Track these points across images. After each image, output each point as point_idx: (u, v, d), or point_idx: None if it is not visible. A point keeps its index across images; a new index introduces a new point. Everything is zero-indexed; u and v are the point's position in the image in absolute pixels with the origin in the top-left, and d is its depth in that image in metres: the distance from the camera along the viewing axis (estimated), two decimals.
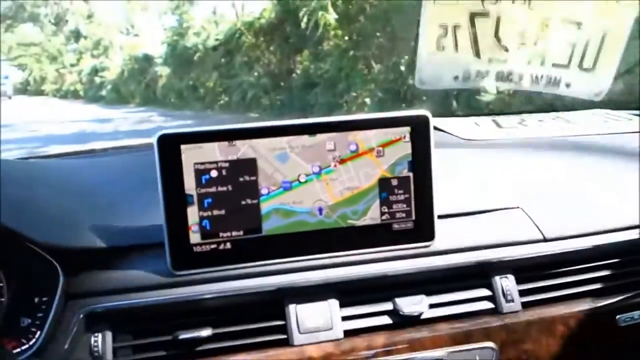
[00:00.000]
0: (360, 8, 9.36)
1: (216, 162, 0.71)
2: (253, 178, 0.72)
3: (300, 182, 0.75)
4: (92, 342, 0.69)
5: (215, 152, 0.71)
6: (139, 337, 0.72)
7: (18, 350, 0.67)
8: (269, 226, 0.74)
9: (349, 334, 0.75)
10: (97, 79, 23.53)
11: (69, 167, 0.97)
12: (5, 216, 0.67)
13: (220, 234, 0.73)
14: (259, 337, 0.73)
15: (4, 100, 25.22)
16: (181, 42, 15.72)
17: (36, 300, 0.69)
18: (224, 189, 0.72)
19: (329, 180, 0.75)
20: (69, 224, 0.74)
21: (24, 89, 29.08)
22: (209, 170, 0.71)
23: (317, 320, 0.74)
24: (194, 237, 0.72)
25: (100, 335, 0.70)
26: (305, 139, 0.74)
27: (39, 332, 0.68)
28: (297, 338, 0.73)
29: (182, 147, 0.70)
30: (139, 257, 0.74)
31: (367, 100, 8.97)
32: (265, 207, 0.74)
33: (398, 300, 0.77)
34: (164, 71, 17.45)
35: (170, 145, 0.70)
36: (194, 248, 0.72)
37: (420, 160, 0.76)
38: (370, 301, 0.78)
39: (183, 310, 0.73)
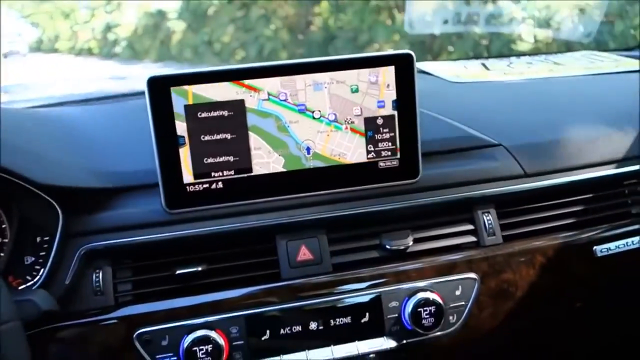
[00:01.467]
0: None
1: (205, 104, 0.77)
2: (242, 119, 0.79)
3: (313, 116, 0.82)
4: (94, 278, 0.78)
5: (204, 93, 0.77)
6: (138, 274, 0.80)
7: (23, 287, 0.77)
8: (253, 122, 0.78)
9: (337, 267, 0.84)
10: (111, 36, 23.58)
11: (66, 114, 1.05)
12: (6, 161, 0.74)
13: (212, 174, 0.80)
14: (251, 272, 0.82)
15: (19, 58, 25.54)
16: None
17: (38, 239, 0.78)
18: (214, 129, 0.78)
19: (330, 133, 0.82)
20: (67, 167, 0.81)
21: (37, 47, 29.38)
22: (199, 111, 0.77)
23: (307, 255, 0.83)
24: (187, 177, 0.79)
25: (100, 271, 0.78)
26: (345, 89, 0.80)
27: (42, 270, 0.77)
28: (288, 272, 0.82)
29: (172, 89, 0.76)
30: (136, 197, 0.81)
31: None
32: (268, 106, 0.79)
33: (384, 235, 0.86)
34: (178, 26, 17.38)
35: (160, 88, 0.76)
36: (187, 188, 0.79)
37: (405, 99, 0.83)
38: (358, 237, 0.87)
39: (179, 247, 0.81)
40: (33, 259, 0.78)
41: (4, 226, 0.79)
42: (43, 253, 0.78)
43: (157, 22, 18.58)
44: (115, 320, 0.76)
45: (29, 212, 0.78)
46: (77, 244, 0.77)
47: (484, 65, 1.30)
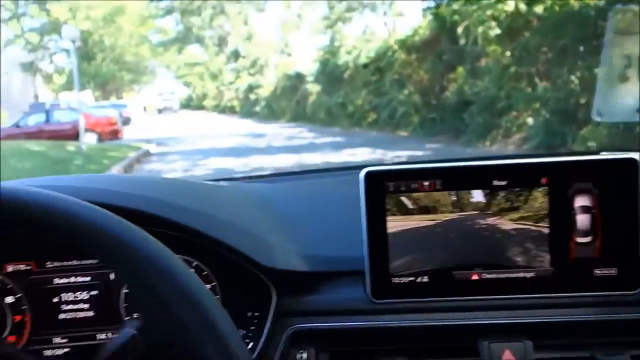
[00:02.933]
0: (525, 21, 9.03)
1: (418, 199, 0.77)
2: (454, 216, 0.77)
3: None
4: (297, 358, 0.77)
5: (417, 190, 0.77)
6: (336, 358, 0.78)
7: None
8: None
9: None
10: (252, 96, 25.65)
11: (273, 190, 1.07)
12: (234, 241, 0.77)
13: (419, 267, 0.78)
14: None
15: (171, 114, 28.57)
16: (332, 60, 16.53)
17: (249, 314, 0.80)
18: (426, 224, 0.77)
19: None
20: (282, 249, 0.82)
21: (187, 104, 32.73)
22: (411, 206, 0.77)
23: None
24: (394, 269, 0.78)
25: (305, 352, 0.77)
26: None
27: (252, 344, 0.79)
28: None
29: (387, 183, 0.77)
30: (341, 283, 0.80)
31: (530, 120, 8.59)
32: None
33: (596, 348, 0.77)
34: (314, 89, 18.47)
35: (375, 182, 0.77)
36: (393, 279, 0.78)
37: (625, 205, 0.77)
38: (565, 347, 0.78)
39: (379, 336, 0.78)
40: (244, 332, 0.81)
41: (217, 297, 0.82)
42: (253, 328, 0.80)
43: (295, 85, 19.96)
44: None
45: (243, 289, 0.81)
46: (286, 323, 0.78)
47: None
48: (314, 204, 0.99)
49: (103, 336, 0.81)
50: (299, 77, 19.83)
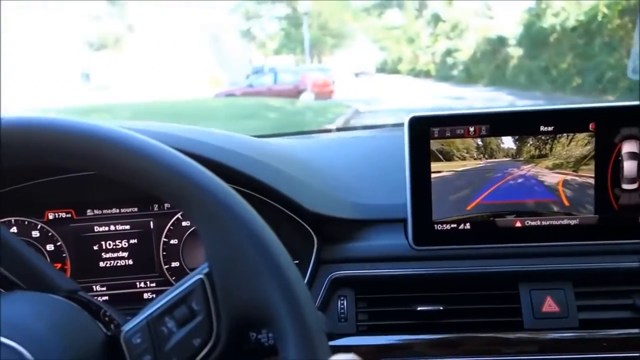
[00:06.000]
0: None
1: (462, 145, 0.75)
2: (500, 161, 0.75)
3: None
4: (339, 305, 0.78)
5: (462, 136, 0.75)
6: (374, 305, 0.78)
7: None
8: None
9: (584, 324, 0.75)
10: (449, 60, 26.15)
11: (317, 143, 1.09)
12: (269, 179, 0.76)
13: (461, 215, 0.76)
14: (492, 317, 0.76)
15: (367, 77, 30.33)
16: (537, 23, 16.46)
17: None
18: (470, 171, 0.76)
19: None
20: (324, 196, 0.81)
21: (382, 68, 34.31)
22: (454, 153, 0.75)
23: (553, 307, 0.76)
24: (436, 216, 0.77)
25: (345, 299, 0.78)
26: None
27: None
28: (531, 322, 0.75)
29: (432, 129, 0.75)
30: (383, 231, 0.81)
31: None
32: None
33: (637, 296, 0.77)
34: (515, 52, 18.55)
35: (420, 127, 0.75)
36: (435, 226, 0.77)
37: None
38: (607, 294, 0.77)
39: (419, 283, 0.78)
40: None
41: None
42: None
43: (496, 48, 20.36)
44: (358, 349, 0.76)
45: (284, 235, 0.71)
46: (327, 271, 0.78)
47: None
48: (355, 156, 0.99)
49: (142, 284, 0.82)
50: (501, 41, 19.94)
